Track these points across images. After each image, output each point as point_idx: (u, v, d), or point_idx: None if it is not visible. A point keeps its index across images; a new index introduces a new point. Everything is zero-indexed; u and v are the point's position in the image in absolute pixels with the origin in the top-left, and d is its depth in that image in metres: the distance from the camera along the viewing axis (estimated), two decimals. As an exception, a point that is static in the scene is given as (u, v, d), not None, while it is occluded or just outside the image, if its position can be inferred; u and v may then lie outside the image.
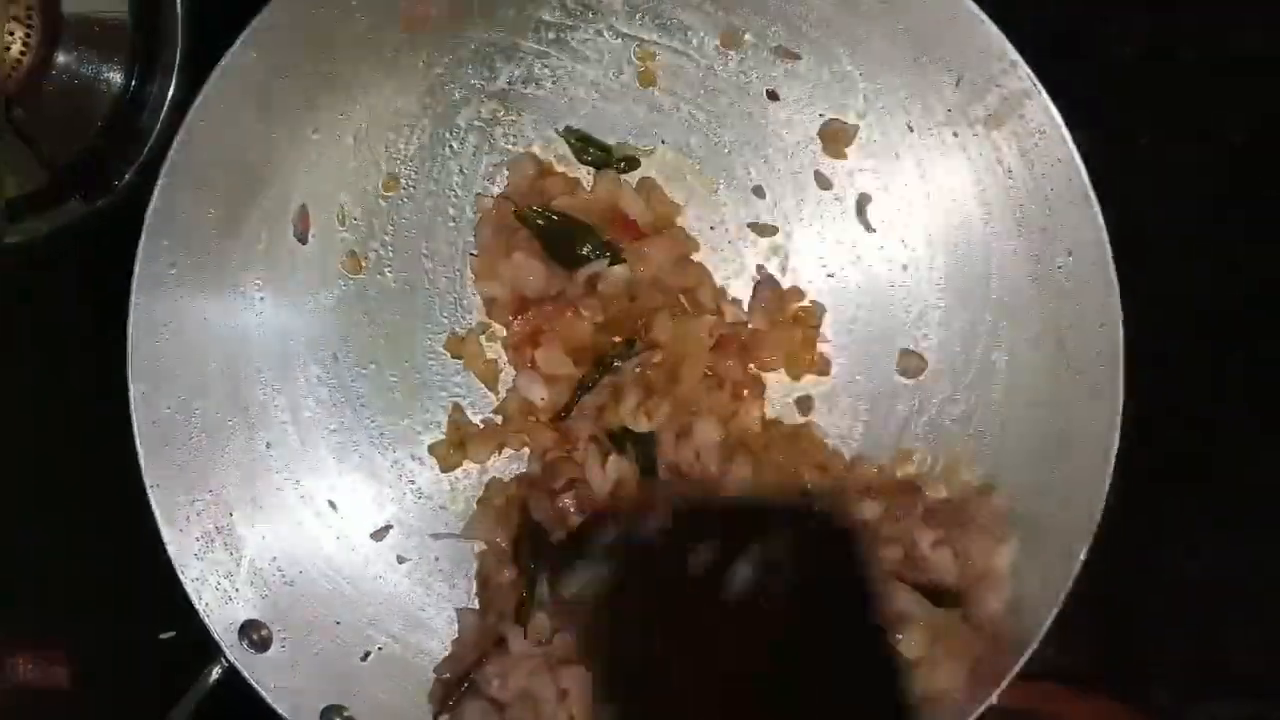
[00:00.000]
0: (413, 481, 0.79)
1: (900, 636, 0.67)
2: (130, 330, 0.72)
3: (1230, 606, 0.85)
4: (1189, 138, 0.83)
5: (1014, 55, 0.69)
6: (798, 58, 0.74)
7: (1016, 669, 0.70)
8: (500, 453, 0.78)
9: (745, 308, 0.77)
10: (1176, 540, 0.85)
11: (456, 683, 0.74)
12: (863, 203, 0.76)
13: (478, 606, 0.77)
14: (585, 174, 0.78)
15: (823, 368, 0.77)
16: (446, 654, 0.77)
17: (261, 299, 0.77)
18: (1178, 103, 0.83)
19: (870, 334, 0.77)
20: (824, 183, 0.76)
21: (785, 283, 0.77)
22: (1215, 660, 0.86)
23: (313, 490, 0.77)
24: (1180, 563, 0.85)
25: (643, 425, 0.72)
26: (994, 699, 0.70)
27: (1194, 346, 0.83)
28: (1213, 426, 0.84)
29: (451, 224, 0.78)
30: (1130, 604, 0.85)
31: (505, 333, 0.77)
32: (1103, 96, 0.80)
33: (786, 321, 0.76)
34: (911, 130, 0.74)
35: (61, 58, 0.79)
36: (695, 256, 0.77)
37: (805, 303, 0.77)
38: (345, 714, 0.75)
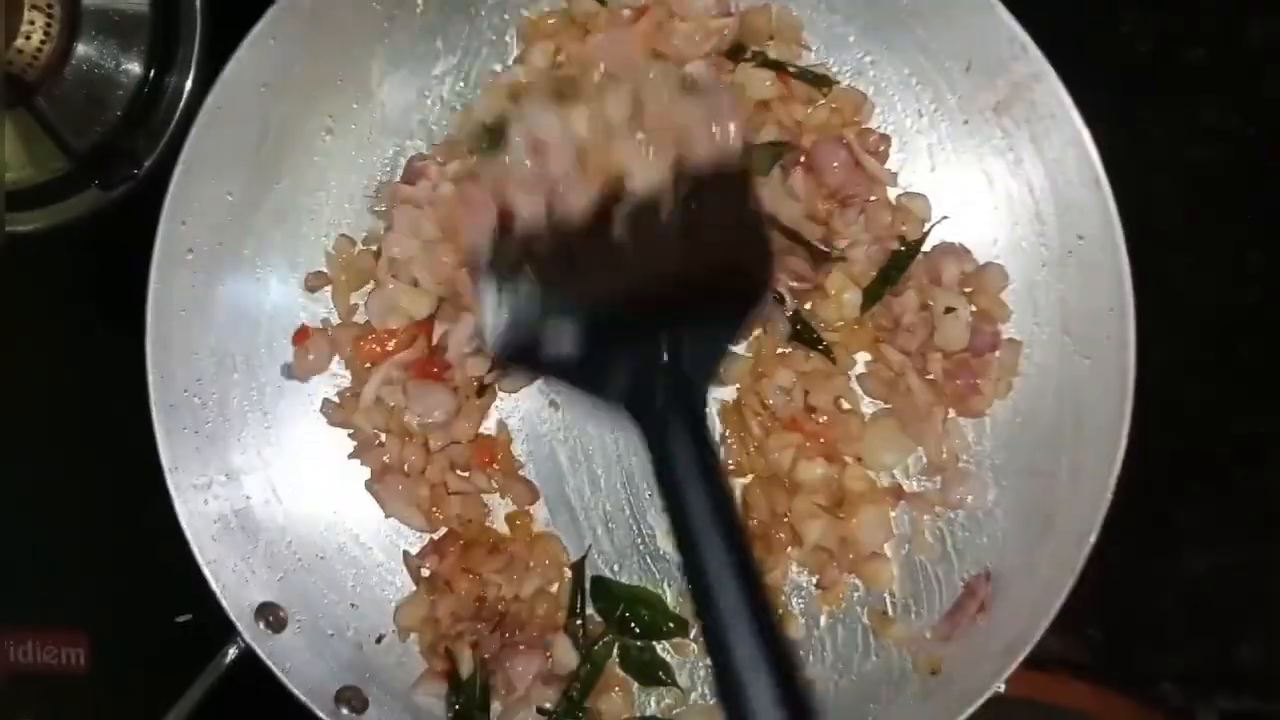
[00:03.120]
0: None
1: None
2: (148, 314, 0.73)
3: (1237, 602, 0.85)
4: (1201, 134, 0.84)
5: (1024, 38, 0.69)
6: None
7: (1021, 657, 0.70)
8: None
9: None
10: (1184, 537, 0.85)
11: None
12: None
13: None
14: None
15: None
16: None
17: (276, 285, 0.77)
18: (1190, 99, 0.83)
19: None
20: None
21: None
22: (1222, 655, 0.86)
23: (327, 474, 0.78)
24: (1188, 559, 0.85)
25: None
26: (1000, 687, 0.70)
27: (1202, 343, 0.83)
28: (1221, 424, 0.84)
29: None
30: (1138, 599, 0.85)
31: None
32: (1115, 92, 0.80)
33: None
34: (921, 116, 0.74)
35: (82, 48, 0.80)
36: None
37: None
38: (359, 695, 0.75)
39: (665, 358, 0.57)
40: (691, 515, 0.52)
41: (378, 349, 0.76)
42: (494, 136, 0.69)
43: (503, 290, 0.60)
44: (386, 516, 0.77)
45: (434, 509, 0.76)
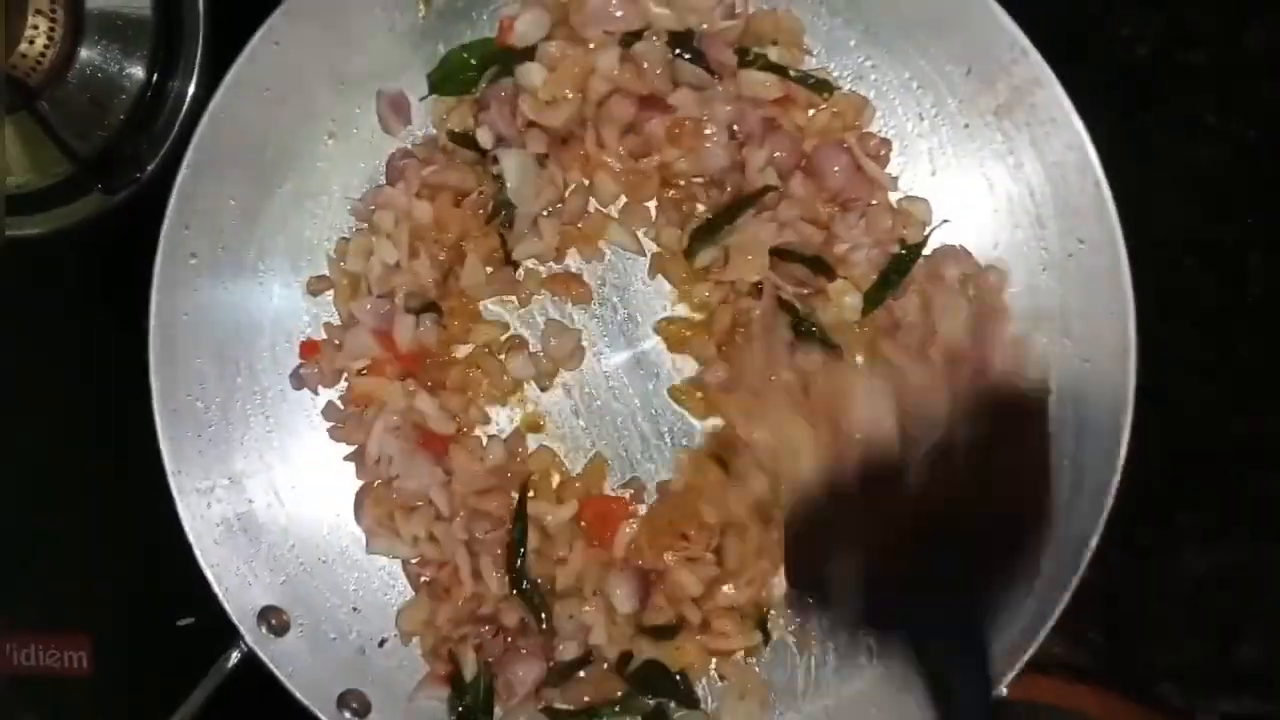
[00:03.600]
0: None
1: None
2: (151, 318, 0.73)
3: (1238, 603, 0.85)
4: (1201, 135, 0.84)
5: (1025, 43, 0.69)
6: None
7: (1024, 661, 0.70)
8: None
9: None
10: (1185, 538, 0.85)
11: None
12: (874, 194, 0.76)
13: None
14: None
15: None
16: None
17: (280, 289, 0.77)
18: (1190, 100, 0.83)
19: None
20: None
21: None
22: (1222, 657, 0.86)
23: (330, 477, 0.78)
24: (1189, 560, 0.85)
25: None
26: (1002, 691, 0.70)
27: (1202, 343, 0.83)
28: (1221, 424, 0.84)
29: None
30: (1139, 601, 0.85)
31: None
32: (1114, 95, 0.80)
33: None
34: (922, 120, 0.74)
35: (85, 52, 0.80)
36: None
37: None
38: (361, 699, 0.75)
39: (950, 610, 0.57)
40: None
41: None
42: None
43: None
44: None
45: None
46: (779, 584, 0.76)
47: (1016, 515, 0.60)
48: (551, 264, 0.78)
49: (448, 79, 0.76)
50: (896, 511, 0.59)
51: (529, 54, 0.73)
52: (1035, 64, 0.69)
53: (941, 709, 0.56)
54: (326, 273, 0.78)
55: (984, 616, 0.58)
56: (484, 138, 0.74)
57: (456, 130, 0.75)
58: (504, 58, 0.74)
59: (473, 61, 0.75)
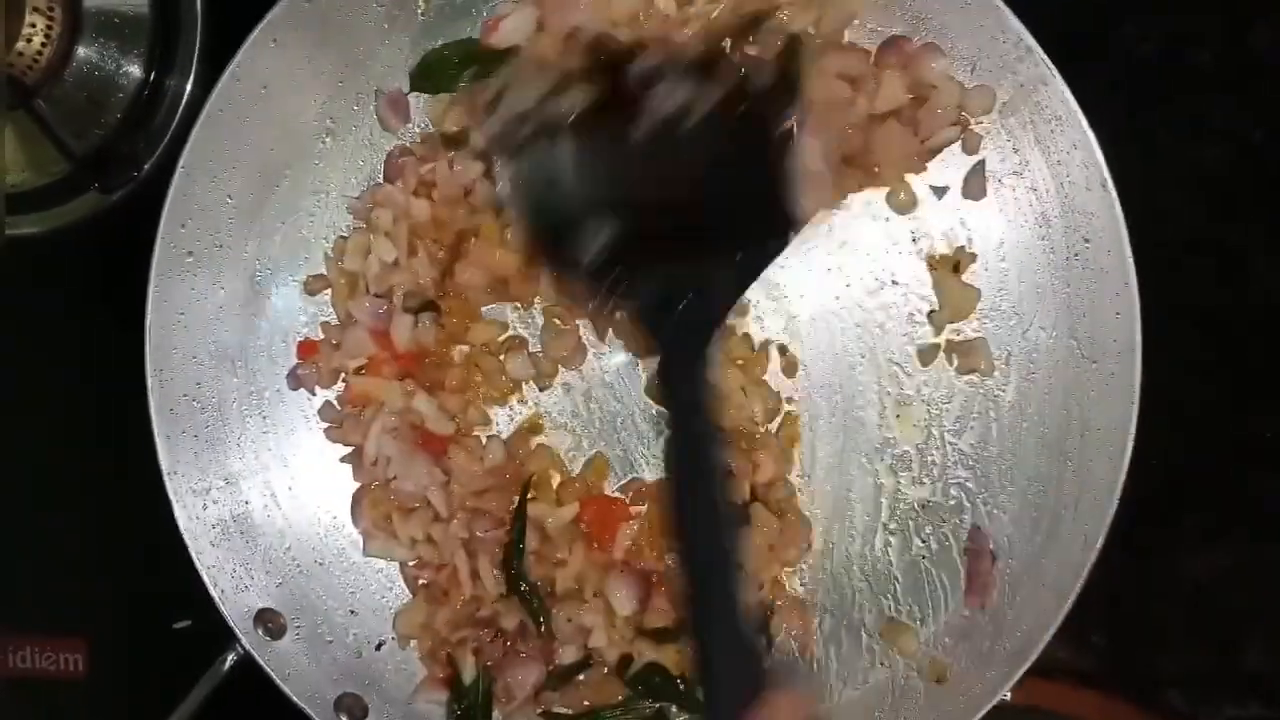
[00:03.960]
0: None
1: None
2: (148, 318, 0.73)
3: (1242, 608, 0.85)
4: (1206, 135, 0.83)
5: (1029, 41, 0.69)
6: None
7: (1028, 664, 0.70)
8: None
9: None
10: (1187, 540, 0.84)
11: None
12: (878, 192, 0.75)
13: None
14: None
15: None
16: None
17: (277, 288, 0.77)
18: (1196, 99, 0.83)
19: (884, 325, 0.76)
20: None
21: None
22: (1227, 662, 0.85)
23: (327, 478, 0.77)
24: (1193, 564, 0.85)
25: None
26: (1006, 695, 0.70)
27: (1204, 344, 0.83)
28: (1222, 425, 0.84)
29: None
30: (1143, 605, 0.85)
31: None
32: (1120, 94, 0.80)
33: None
34: (926, 118, 0.74)
35: (82, 50, 0.80)
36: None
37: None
38: (359, 703, 0.75)
39: (684, 281, 0.61)
40: (677, 440, 0.59)
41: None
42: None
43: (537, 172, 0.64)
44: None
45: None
46: (788, 584, 0.76)
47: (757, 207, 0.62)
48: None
49: (426, 76, 0.76)
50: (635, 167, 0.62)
51: (509, 54, 0.72)
52: (1040, 62, 0.69)
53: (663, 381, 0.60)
54: (324, 272, 0.77)
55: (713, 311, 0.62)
56: (479, 139, 0.73)
57: (454, 129, 0.75)
58: (483, 58, 0.74)
59: (454, 60, 0.75)
